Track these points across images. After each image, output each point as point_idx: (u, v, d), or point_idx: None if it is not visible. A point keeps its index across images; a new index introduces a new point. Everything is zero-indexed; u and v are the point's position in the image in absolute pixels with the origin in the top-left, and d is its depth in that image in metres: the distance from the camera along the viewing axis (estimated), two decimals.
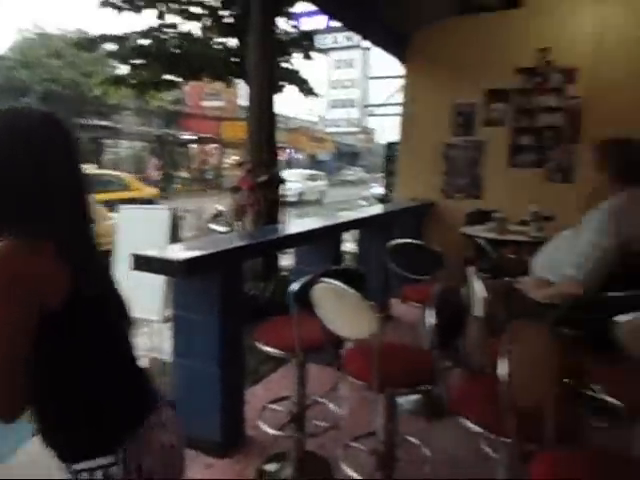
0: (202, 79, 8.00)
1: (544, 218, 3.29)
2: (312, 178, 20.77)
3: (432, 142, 5.10)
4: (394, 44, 5.26)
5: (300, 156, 32.45)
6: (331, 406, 2.42)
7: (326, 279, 1.67)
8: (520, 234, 3.28)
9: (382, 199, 8.69)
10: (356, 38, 11.33)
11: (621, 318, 1.41)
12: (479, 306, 1.68)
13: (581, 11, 4.37)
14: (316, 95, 9.05)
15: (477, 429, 1.40)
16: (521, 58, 4.62)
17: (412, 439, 2.15)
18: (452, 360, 2.24)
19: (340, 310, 1.68)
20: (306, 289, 1.77)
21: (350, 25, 5.26)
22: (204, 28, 7.35)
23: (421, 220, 5.04)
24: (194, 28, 7.59)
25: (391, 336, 1.96)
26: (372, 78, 28.76)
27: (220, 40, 7.49)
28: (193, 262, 2.03)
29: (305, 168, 27.37)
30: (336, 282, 1.61)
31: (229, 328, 2.26)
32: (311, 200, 18.89)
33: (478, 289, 1.71)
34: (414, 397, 2.67)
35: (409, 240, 2.94)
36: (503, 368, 1.15)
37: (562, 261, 2.11)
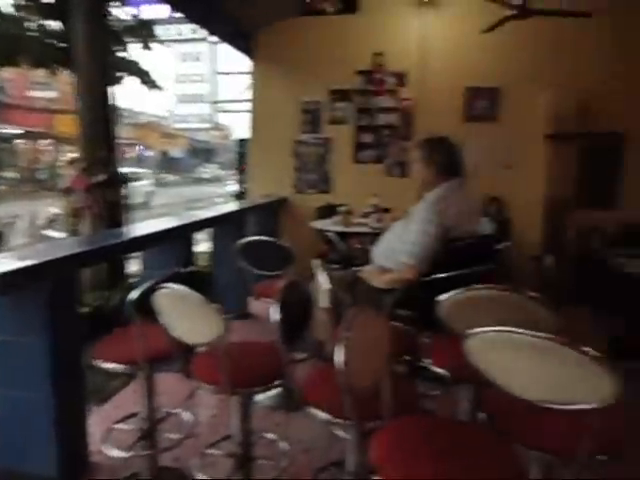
0: (19, 65, 6.96)
1: (383, 210, 3.57)
2: (134, 177, 17.29)
3: (282, 139, 5.19)
4: (240, 40, 5.21)
5: (151, 153, 30.56)
6: (185, 416, 2.31)
7: (167, 284, 1.57)
8: (363, 226, 3.51)
9: (238, 196, 8.59)
10: (202, 31, 10.98)
11: (442, 297, 1.58)
12: (324, 297, 1.74)
13: (408, 19, 4.80)
14: (160, 88, 8.56)
15: (325, 416, 1.45)
16: (360, 61, 4.93)
17: (269, 435, 2.16)
18: (307, 352, 2.31)
19: (184, 315, 1.60)
20: (146, 296, 1.66)
21: (193, 18, 5.04)
22: (17, 6, 6.39)
23: (275, 216, 5.11)
24: (4, 5, 6.56)
25: (247, 335, 1.94)
26: (221, 73, 28.12)
27: (40, 22, 6.59)
28: (9, 276, 1.75)
29: (157, 165, 25.83)
30: (177, 286, 1.53)
31: (63, 347, 2.00)
32: (134, 203, 14.86)
33: (322, 281, 1.77)
34: (274, 392, 2.69)
35: (259, 237, 2.95)
36: (339, 354, 1.20)
37: (397, 249, 2.31)
